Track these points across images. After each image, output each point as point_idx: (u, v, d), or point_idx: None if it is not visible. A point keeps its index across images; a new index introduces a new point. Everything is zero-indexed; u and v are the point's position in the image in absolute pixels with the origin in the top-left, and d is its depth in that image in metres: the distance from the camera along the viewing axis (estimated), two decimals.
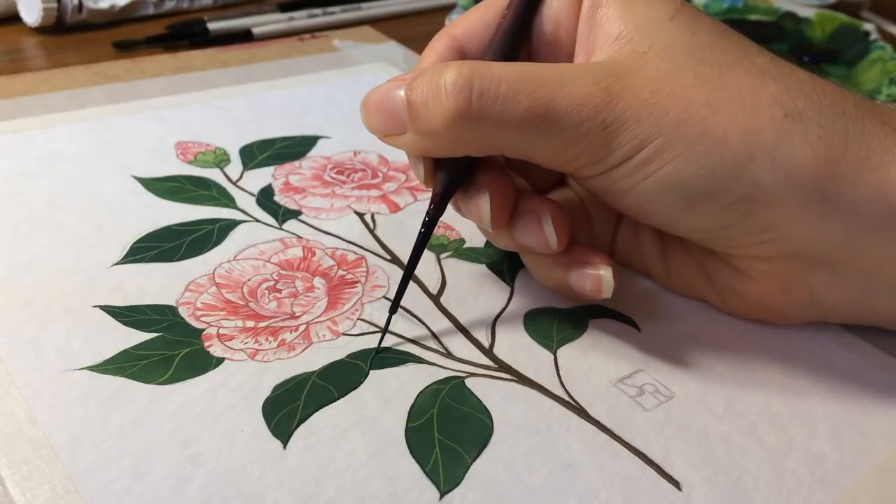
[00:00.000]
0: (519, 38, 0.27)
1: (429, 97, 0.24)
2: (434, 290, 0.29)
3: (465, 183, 0.27)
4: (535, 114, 0.24)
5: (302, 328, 0.27)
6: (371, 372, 0.25)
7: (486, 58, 0.27)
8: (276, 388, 0.24)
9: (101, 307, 0.27)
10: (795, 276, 0.26)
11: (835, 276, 0.26)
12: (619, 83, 0.24)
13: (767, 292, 0.27)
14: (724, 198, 0.24)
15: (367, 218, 0.33)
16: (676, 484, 0.23)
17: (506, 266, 0.31)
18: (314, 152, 0.38)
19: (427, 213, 0.26)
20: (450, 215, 0.34)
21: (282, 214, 0.33)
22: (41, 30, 0.50)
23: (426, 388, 0.25)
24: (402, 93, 0.25)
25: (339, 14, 0.56)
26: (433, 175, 0.27)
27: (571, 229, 0.27)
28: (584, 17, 0.27)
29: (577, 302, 0.29)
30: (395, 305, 0.27)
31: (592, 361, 0.27)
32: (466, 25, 0.28)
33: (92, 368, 0.24)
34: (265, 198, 0.34)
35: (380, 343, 0.26)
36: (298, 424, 0.23)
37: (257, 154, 0.37)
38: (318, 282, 0.29)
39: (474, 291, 0.30)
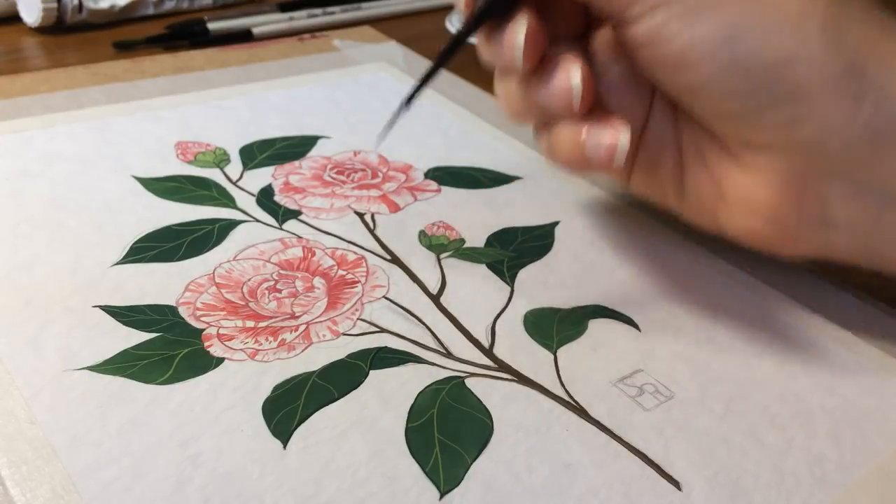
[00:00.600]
0: None
1: None
2: (434, 290, 0.29)
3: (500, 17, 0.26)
4: None
5: (302, 328, 0.27)
6: (371, 372, 0.25)
7: None
8: (276, 388, 0.24)
9: (101, 307, 0.27)
10: (813, 182, 0.26)
11: (852, 186, 0.26)
12: None
13: (782, 202, 0.26)
14: (772, 47, 0.24)
15: (367, 218, 0.33)
16: (676, 484, 0.23)
17: (506, 266, 0.31)
18: (314, 152, 0.38)
19: (458, 30, 0.26)
20: (449, 215, 0.34)
21: (282, 214, 0.33)
22: (41, 30, 0.50)
23: (426, 388, 0.25)
24: None
25: (339, 14, 0.56)
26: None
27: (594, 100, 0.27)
28: None
29: (577, 301, 0.29)
30: (417, 90, 0.26)
31: (592, 361, 0.27)
32: None
33: (92, 368, 0.25)
34: (265, 198, 0.34)
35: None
36: (298, 424, 0.23)
37: (257, 154, 0.37)
38: (318, 282, 0.29)
39: (474, 291, 0.30)
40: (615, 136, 0.26)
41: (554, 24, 0.27)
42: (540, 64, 0.26)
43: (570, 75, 0.26)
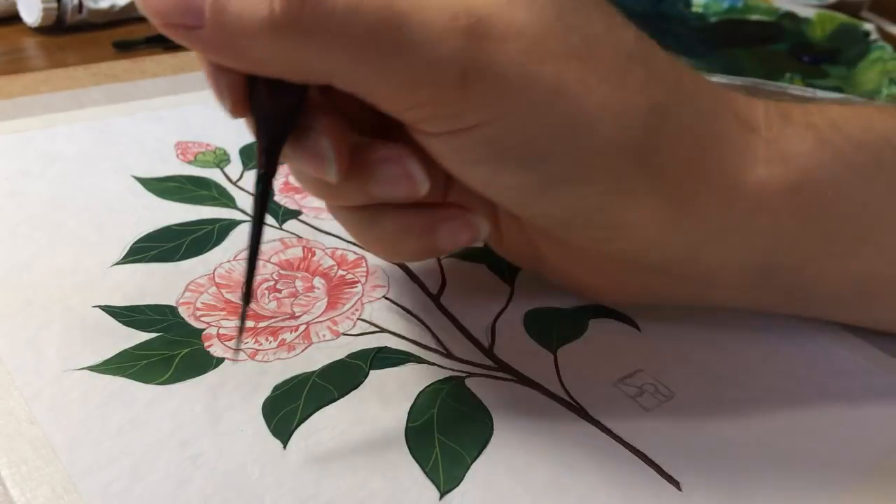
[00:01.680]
0: None
1: None
2: (434, 290, 0.29)
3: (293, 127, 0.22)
4: (379, 35, 0.19)
5: (302, 328, 0.27)
6: (371, 372, 0.25)
7: None
8: (276, 388, 0.24)
9: (101, 307, 0.27)
10: (631, 276, 0.26)
11: (671, 279, 0.26)
12: (483, 26, 0.20)
13: (601, 284, 0.27)
14: (586, 187, 0.22)
15: None
16: (676, 484, 0.23)
17: (506, 266, 0.31)
18: None
19: (258, 170, 0.21)
20: None
21: (282, 214, 0.33)
22: (41, 30, 0.50)
23: (426, 388, 0.25)
24: None
25: None
26: (248, 112, 0.21)
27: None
28: None
29: (577, 301, 0.29)
30: (246, 293, 0.22)
31: (592, 361, 0.27)
32: None
33: (92, 368, 0.24)
34: None
35: (238, 340, 0.23)
36: (298, 424, 0.23)
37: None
38: (318, 282, 0.29)
39: (474, 291, 0.30)
40: (472, 226, 0.25)
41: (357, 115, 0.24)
42: (362, 165, 0.23)
43: (409, 167, 0.23)
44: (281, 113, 0.21)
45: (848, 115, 0.25)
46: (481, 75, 0.20)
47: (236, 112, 0.21)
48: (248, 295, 0.22)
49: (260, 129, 0.21)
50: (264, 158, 0.21)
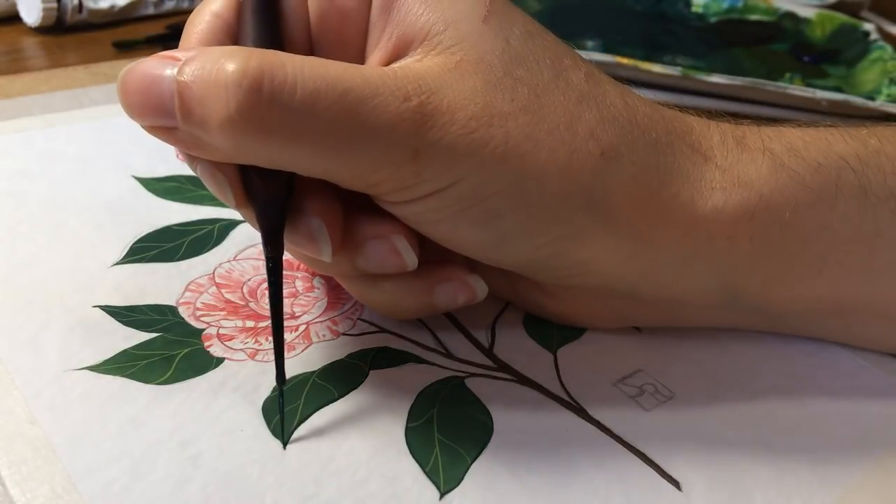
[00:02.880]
0: (271, 17, 0.22)
1: (206, 91, 0.20)
2: None
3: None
4: (336, 130, 0.20)
5: (302, 328, 0.27)
6: (371, 372, 0.25)
7: (242, 43, 0.22)
8: (276, 388, 0.24)
9: (100, 307, 0.27)
10: (602, 301, 0.27)
11: (641, 302, 0.26)
12: (433, 102, 0.21)
13: (575, 312, 0.27)
14: (538, 237, 0.23)
15: None
16: (676, 484, 0.23)
17: None
18: None
19: (266, 258, 0.22)
20: None
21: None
22: (41, 30, 0.50)
23: (426, 388, 0.25)
24: (171, 74, 0.20)
25: None
26: (246, 202, 0.22)
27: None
28: (378, 6, 0.23)
29: None
30: (280, 375, 0.23)
31: (592, 361, 0.27)
32: (229, 4, 0.23)
33: (92, 368, 0.24)
34: None
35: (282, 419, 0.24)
36: (298, 424, 0.23)
37: None
38: (318, 282, 0.29)
39: None
40: (469, 289, 0.26)
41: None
42: (352, 242, 0.24)
43: (398, 247, 0.24)
44: (275, 198, 0.22)
45: (807, 139, 0.25)
46: (432, 150, 0.21)
47: (239, 203, 0.22)
48: (281, 376, 0.23)
49: (260, 216, 0.22)
50: (270, 244, 0.22)
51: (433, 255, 0.26)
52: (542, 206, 0.23)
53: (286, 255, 0.30)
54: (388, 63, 0.23)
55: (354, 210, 0.24)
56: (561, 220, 0.23)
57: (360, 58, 0.24)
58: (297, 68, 0.20)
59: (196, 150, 0.21)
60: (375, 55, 0.23)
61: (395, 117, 0.21)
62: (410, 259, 0.24)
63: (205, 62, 0.20)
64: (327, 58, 0.21)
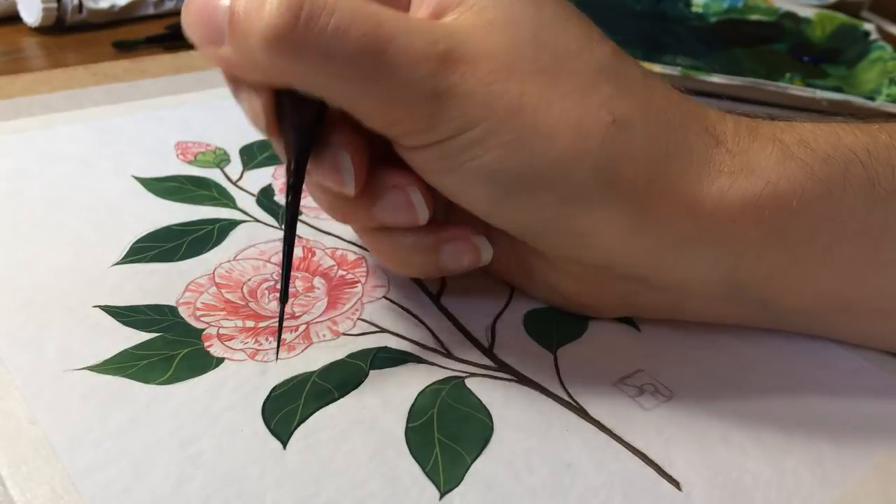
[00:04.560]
0: None
1: (251, 9, 0.21)
2: (434, 290, 0.29)
3: (315, 143, 0.24)
4: (364, 57, 0.21)
5: (302, 328, 0.27)
6: (371, 372, 0.25)
7: None
8: (275, 388, 0.24)
9: (101, 307, 0.27)
10: (607, 282, 0.27)
11: (645, 287, 0.27)
12: (458, 50, 0.22)
13: (581, 291, 0.28)
14: (542, 196, 0.24)
15: None
16: (676, 484, 0.23)
17: None
18: None
19: (287, 182, 0.24)
20: None
21: (282, 214, 0.33)
22: (41, 30, 0.50)
23: (426, 388, 0.25)
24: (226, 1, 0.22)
25: None
26: (278, 130, 0.24)
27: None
28: None
29: None
30: (283, 293, 0.24)
31: (592, 361, 0.27)
32: None
33: (92, 368, 0.24)
34: (265, 198, 0.34)
35: (277, 348, 0.25)
36: (298, 424, 0.23)
37: (257, 154, 0.37)
38: (318, 282, 0.29)
39: (474, 291, 0.30)
40: (475, 250, 0.27)
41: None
42: (371, 191, 0.25)
43: (412, 198, 0.25)
44: (305, 126, 0.24)
45: (817, 132, 0.25)
46: (450, 94, 0.22)
47: (270, 131, 0.24)
48: (284, 294, 0.24)
49: (289, 142, 0.24)
50: (294, 169, 0.24)
51: (444, 217, 0.27)
52: (548, 162, 0.23)
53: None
54: None
55: (378, 161, 0.25)
56: (566, 180, 0.23)
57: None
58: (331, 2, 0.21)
59: (240, 69, 0.23)
60: (420, 10, 0.24)
61: (420, 56, 0.22)
62: (422, 213, 0.25)
63: None
64: None
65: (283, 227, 0.24)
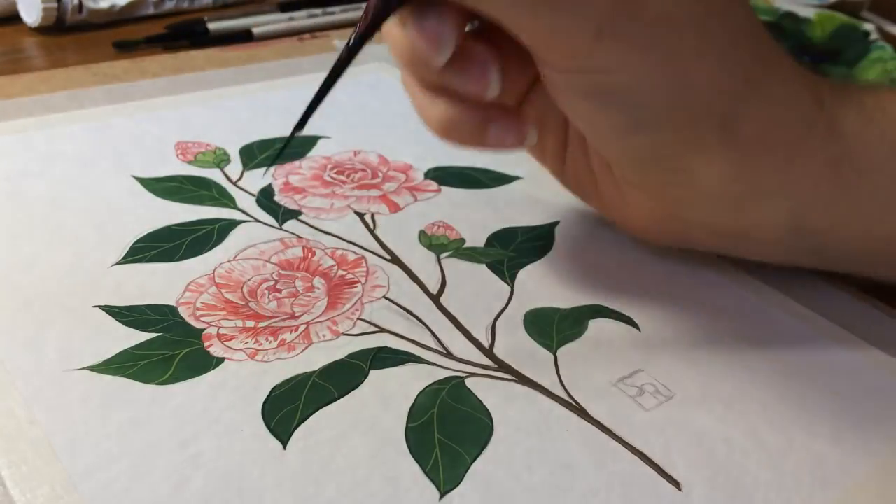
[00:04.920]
0: None
1: None
2: (434, 290, 0.29)
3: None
4: None
5: (302, 328, 0.27)
6: (371, 372, 0.25)
7: None
8: (275, 388, 0.24)
9: (101, 307, 0.27)
10: (675, 222, 0.29)
11: (707, 233, 0.29)
12: None
13: (648, 219, 0.30)
14: (668, 135, 0.25)
15: (367, 218, 0.33)
16: (676, 484, 0.23)
17: (506, 266, 0.31)
18: (314, 152, 0.38)
19: (357, 29, 0.23)
20: (450, 215, 0.34)
21: (282, 214, 0.33)
22: (41, 30, 0.50)
23: (426, 388, 0.25)
24: None
25: (339, 14, 0.56)
26: None
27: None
28: None
29: (577, 301, 0.29)
30: (301, 123, 0.24)
31: (592, 361, 0.27)
32: None
33: (92, 368, 0.24)
34: (265, 198, 0.34)
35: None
36: (298, 424, 0.23)
37: (257, 154, 0.37)
38: (318, 282, 0.29)
39: (474, 291, 0.30)
40: (521, 131, 0.27)
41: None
42: (451, 41, 0.24)
43: (489, 71, 0.25)
44: None
45: (893, 98, 0.28)
46: (614, 34, 0.22)
47: None
48: (301, 124, 0.24)
49: None
50: (371, 17, 0.22)
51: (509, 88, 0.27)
52: (685, 109, 0.25)
53: (284, 256, 0.30)
54: None
55: (468, 32, 0.25)
56: (695, 127, 0.25)
57: None
58: None
59: None
60: None
61: None
62: (493, 90, 0.25)
63: None
64: None
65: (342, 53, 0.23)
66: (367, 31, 0.23)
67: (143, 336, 0.26)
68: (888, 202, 0.27)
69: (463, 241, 0.33)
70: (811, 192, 0.27)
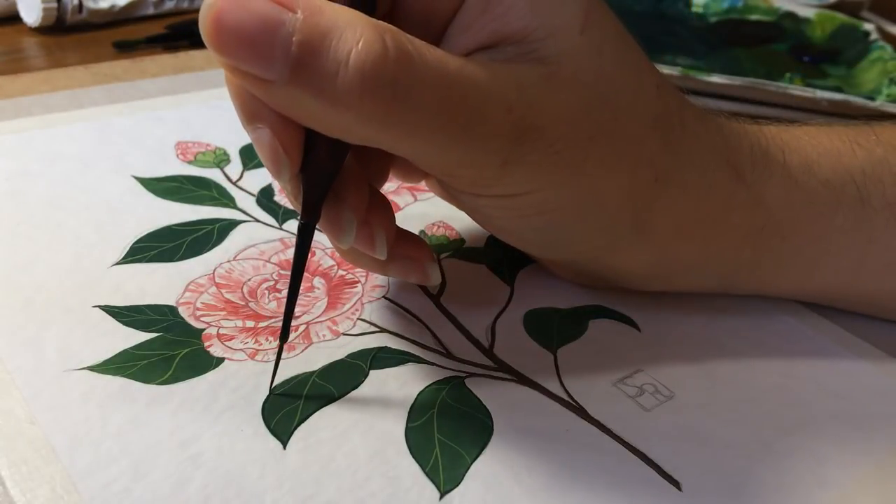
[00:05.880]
0: None
1: (341, 49, 0.18)
2: (434, 290, 0.29)
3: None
4: (442, 121, 0.20)
5: (302, 328, 0.27)
6: (371, 372, 0.25)
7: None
8: (275, 388, 0.24)
9: (101, 307, 0.27)
10: (605, 283, 0.29)
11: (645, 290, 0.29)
12: (529, 117, 0.22)
13: (569, 274, 0.30)
14: (582, 245, 0.26)
15: None
16: (676, 484, 0.23)
17: (506, 266, 0.31)
18: None
19: (300, 221, 0.23)
20: (450, 215, 0.34)
21: (282, 214, 0.33)
22: (41, 30, 0.50)
23: (426, 388, 0.25)
24: (292, 21, 0.18)
25: None
26: (298, 173, 0.22)
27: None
28: None
29: (577, 301, 0.29)
30: (284, 332, 0.24)
31: (592, 361, 0.27)
32: None
33: (92, 368, 0.24)
34: (265, 198, 0.34)
35: (272, 380, 0.24)
36: (298, 424, 0.23)
37: (257, 154, 0.37)
38: (318, 282, 0.29)
39: (474, 291, 0.30)
40: (422, 272, 0.27)
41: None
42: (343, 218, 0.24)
43: (375, 240, 0.25)
44: (334, 171, 0.22)
45: (820, 151, 0.27)
46: (519, 162, 0.22)
47: (293, 173, 0.22)
48: (285, 333, 0.24)
49: (311, 184, 0.22)
50: (311, 211, 0.23)
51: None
52: (595, 222, 0.25)
53: (284, 256, 0.30)
54: (473, 50, 0.22)
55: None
56: (607, 235, 0.25)
57: (441, 33, 0.23)
58: (425, 51, 0.20)
59: (287, 109, 0.20)
60: (462, 39, 0.22)
61: (495, 128, 0.21)
62: (382, 254, 0.25)
63: (339, 18, 0.18)
64: (408, 24, 0.21)
65: (292, 258, 0.24)
66: (310, 225, 0.23)
67: (143, 336, 0.26)
68: (815, 262, 0.28)
69: (463, 241, 0.33)
70: (734, 260, 0.27)
